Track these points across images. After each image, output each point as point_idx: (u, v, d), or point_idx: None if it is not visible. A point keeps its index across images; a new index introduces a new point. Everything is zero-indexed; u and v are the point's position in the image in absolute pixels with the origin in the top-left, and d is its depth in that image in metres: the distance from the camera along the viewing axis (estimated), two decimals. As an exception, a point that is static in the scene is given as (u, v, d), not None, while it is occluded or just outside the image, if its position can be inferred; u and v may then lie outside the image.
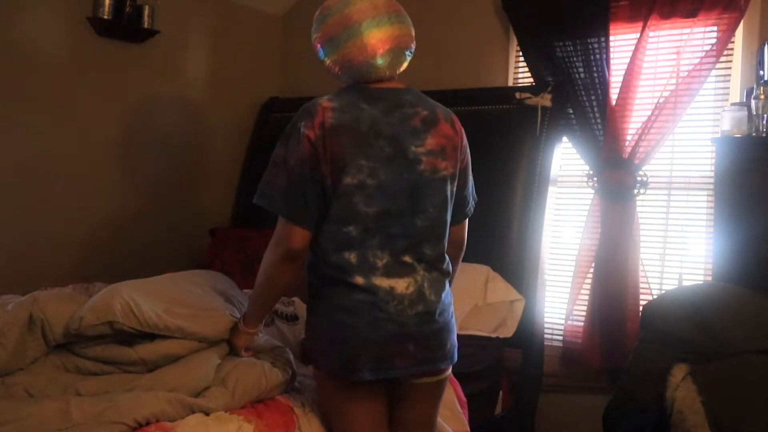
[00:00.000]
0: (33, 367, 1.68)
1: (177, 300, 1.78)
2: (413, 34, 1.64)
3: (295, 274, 1.61)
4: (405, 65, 1.65)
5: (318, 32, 1.63)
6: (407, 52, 1.63)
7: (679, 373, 1.98)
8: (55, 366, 1.70)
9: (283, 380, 1.75)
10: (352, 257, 1.54)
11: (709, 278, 2.59)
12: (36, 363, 1.69)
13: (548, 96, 2.74)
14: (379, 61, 1.58)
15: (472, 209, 1.83)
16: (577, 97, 2.81)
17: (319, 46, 1.65)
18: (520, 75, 3.13)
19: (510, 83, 3.13)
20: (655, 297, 2.69)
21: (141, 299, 1.71)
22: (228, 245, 3.07)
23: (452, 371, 1.98)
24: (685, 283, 2.74)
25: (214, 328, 1.74)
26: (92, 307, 1.67)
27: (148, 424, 1.48)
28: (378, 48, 1.56)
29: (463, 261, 2.64)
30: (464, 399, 2.09)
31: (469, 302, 2.53)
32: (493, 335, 2.52)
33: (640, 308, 2.59)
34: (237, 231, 3.21)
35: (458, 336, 2.37)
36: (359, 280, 1.54)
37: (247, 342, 1.78)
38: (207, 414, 1.58)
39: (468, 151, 1.77)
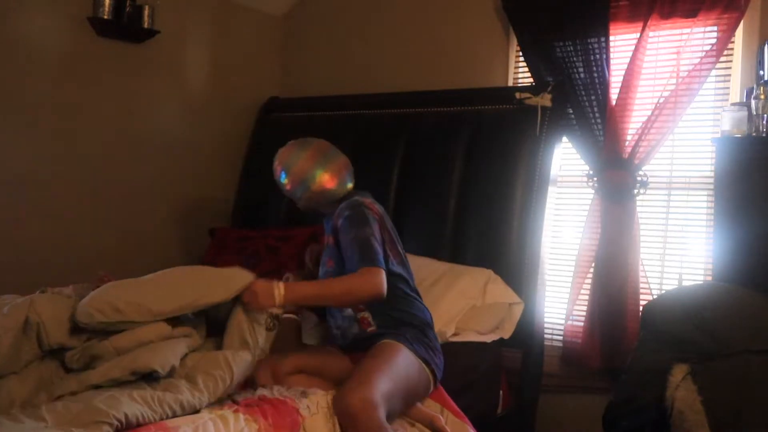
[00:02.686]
0: (24, 372, 1.67)
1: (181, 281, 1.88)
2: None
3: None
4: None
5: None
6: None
7: (679, 373, 1.98)
8: (44, 375, 1.69)
9: (251, 359, 1.83)
10: None
11: (709, 278, 2.59)
12: (28, 367, 1.69)
13: (548, 96, 2.74)
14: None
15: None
16: (577, 97, 2.81)
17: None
18: (520, 75, 3.13)
19: (510, 83, 3.13)
20: (655, 297, 2.68)
21: (142, 291, 1.80)
22: (227, 245, 3.07)
23: (453, 370, 2.17)
24: (685, 283, 2.73)
25: (226, 286, 1.86)
26: (97, 304, 1.72)
27: (129, 424, 1.45)
28: None
29: (465, 263, 2.67)
30: (458, 410, 2.10)
31: (466, 303, 2.53)
32: (489, 339, 2.52)
33: (640, 308, 2.58)
34: (236, 231, 3.21)
35: (457, 340, 2.40)
36: None
37: (269, 304, 1.92)
38: (198, 411, 1.59)
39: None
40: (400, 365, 1.93)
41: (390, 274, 2.05)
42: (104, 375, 1.62)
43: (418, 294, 2.22)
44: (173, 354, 1.71)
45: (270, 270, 2.73)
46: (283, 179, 2.20)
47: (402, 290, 2.14)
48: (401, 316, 2.10)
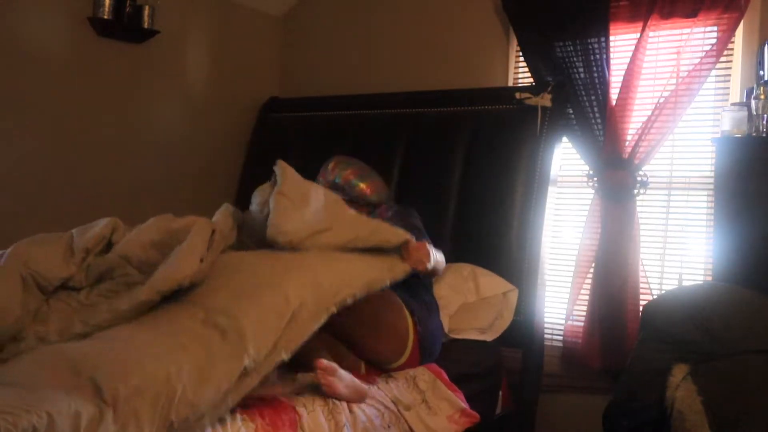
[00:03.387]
0: (38, 317, 1.68)
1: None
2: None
3: None
4: None
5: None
6: None
7: (679, 373, 1.98)
8: (57, 309, 1.69)
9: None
10: None
11: (709, 278, 2.59)
12: (39, 312, 1.69)
13: (548, 96, 2.74)
14: None
15: None
16: (577, 97, 2.81)
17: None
18: (520, 75, 3.13)
19: (510, 83, 3.13)
20: (655, 297, 2.69)
21: None
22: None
23: (453, 370, 2.22)
24: (685, 283, 2.74)
25: (396, 233, 2.02)
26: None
27: None
28: None
29: (459, 260, 2.67)
30: (450, 382, 2.13)
31: (456, 300, 2.53)
32: (490, 338, 2.52)
33: (640, 308, 2.58)
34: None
35: (456, 339, 2.41)
36: None
37: (427, 260, 2.06)
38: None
39: None
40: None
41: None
42: (133, 299, 1.61)
43: (432, 288, 2.43)
44: (190, 260, 1.67)
45: None
46: (338, 180, 2.55)
47: (423, 285, 2.32)
48: (416, 293, 2.26)
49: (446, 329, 2.43)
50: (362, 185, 2.55)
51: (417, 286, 2.27)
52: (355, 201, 2.51)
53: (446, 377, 2.15)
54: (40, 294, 1.71)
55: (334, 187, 2.50)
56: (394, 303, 2.11)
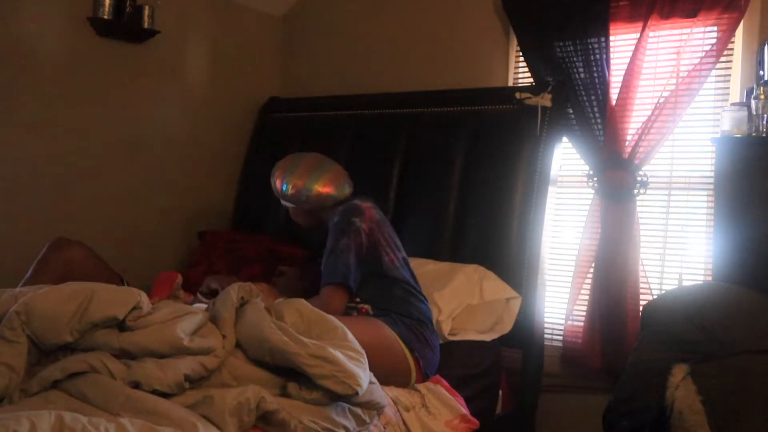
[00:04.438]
0: (30, 373, 1.58)
1: None
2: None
3: None
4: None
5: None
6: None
7: (679, 373, 1.98)
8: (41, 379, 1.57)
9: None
10: None
11: (709, 278, 2.59)
12: (32, 370, 1.59)
13: (548, 96, 2.74)
14: None
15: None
16: (577, 97, 2.81)
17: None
18: (520, 75, 3.13)
19: (510, 83, 3.13)
20: (655, 297, 2.68)
21: None
22: (216, 247, 3.08)
23: (453, 371, 2.23)
24: (685, 283, 2.74)
25: None
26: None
27: None
28: None
29: (465, 263, 2.67)
30: (450, 388, 2.14)
31: (461, 302, 2.53)
32: (489, 338, 2.52)
33: (640, 308, 2.58)
34: (225, 234, 3.22)
35: (456, 340, 2.41)
36: None
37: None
38: None
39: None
40: (368, 331, 1.98)
41: (386, 278, 2.17)
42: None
43: (419, 293, 2.26)
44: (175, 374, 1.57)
45: (257, 274, 2.77)
46: (285, 189, 2.32)
47: (401, 292, 2.19)
48: (400, 311, 2.16)
49: (446, 332, 2.43)
50: (314, 188, 2.30)
51: (400, 305, 2.18)
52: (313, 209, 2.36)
53: (446, 383, 2.15)
54: (36, 353, 1.60)
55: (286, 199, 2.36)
56: (392, 347, 2.06)
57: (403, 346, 2.08)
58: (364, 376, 1.65)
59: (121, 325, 1.64)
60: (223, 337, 1.70)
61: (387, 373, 1.95)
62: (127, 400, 1.46)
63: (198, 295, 2.35)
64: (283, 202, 2.41)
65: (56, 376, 1.53)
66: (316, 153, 2.46)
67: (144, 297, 1.70)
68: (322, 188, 2.29)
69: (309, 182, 2.29)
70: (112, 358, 1.57)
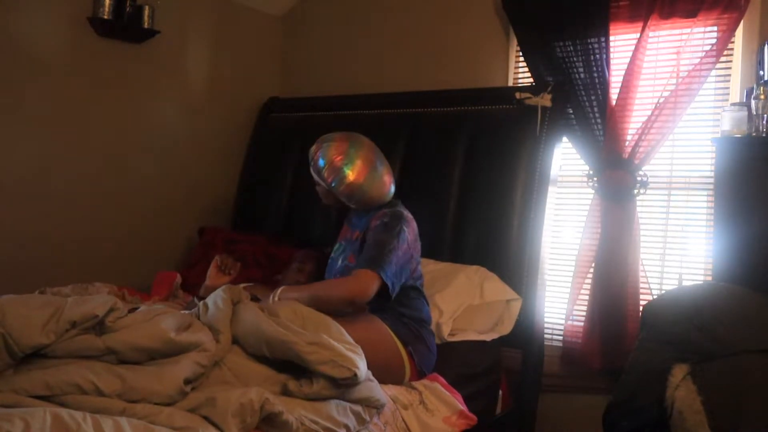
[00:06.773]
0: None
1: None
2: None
3: None
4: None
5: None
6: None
7: (679, 373, 1.98)
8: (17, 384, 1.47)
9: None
10: None
11: (709, 278, 2.59)
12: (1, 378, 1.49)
13: (548, 96, 2.74)
14: None
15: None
16: (577, 97, 2.81)
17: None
18: (520, 75, 3.13)
19: (510, 83, 3.13)
20: (655, 297, 2.69)
21: None
22: (215, 246, 3.07)
23: (452, 370, 2.26)
24: (685, 283, 2.74)
25: None
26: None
27: None
28: None
29: (464, 263, 2.67)
30: (448, 385, 2.15)
31: (462, 302, 2.53)
32: (489, 339, 2.52)
33: (640, 308, 2.58)
34: (224, 232, 3.22)
35: (456, 340, 2.41)
36: None
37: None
38: None
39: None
40: (361, 325, 1.99)
41: (406, 286, 2.19)
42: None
43: (424, 297, 2.31)
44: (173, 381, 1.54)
45: (255, 276, 2.77)
46: (336, 183, 2.24)
47: (409, 295, 2.23)
48: (399, 309, 2.19)
49: (446, 333, 2.43)
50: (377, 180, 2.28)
51: (403, 304, 2.20)
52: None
53: (443, 380, 2.16)
54: (7, 359, 1.48)
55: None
56: (384, 341, 2.08)
57: (396, 339, 2.11)
58: (361, 362, 1.67)
59: (100, 328, 1.59)
60: (219, 333, 1.70)
61: (381, 368, 1.95)
62: (125, 412, 1.44)
63: (194, 299, 2.33)
64: (317, 178, 2.32)
65: (39, 392, 1.43)
66: (370, 144, 2.37)
67: (119, 303, 1.67)
68: (374, 192, 2.26)
69: (365, 183, 2.24)
70: (100, 372, 1.49)
